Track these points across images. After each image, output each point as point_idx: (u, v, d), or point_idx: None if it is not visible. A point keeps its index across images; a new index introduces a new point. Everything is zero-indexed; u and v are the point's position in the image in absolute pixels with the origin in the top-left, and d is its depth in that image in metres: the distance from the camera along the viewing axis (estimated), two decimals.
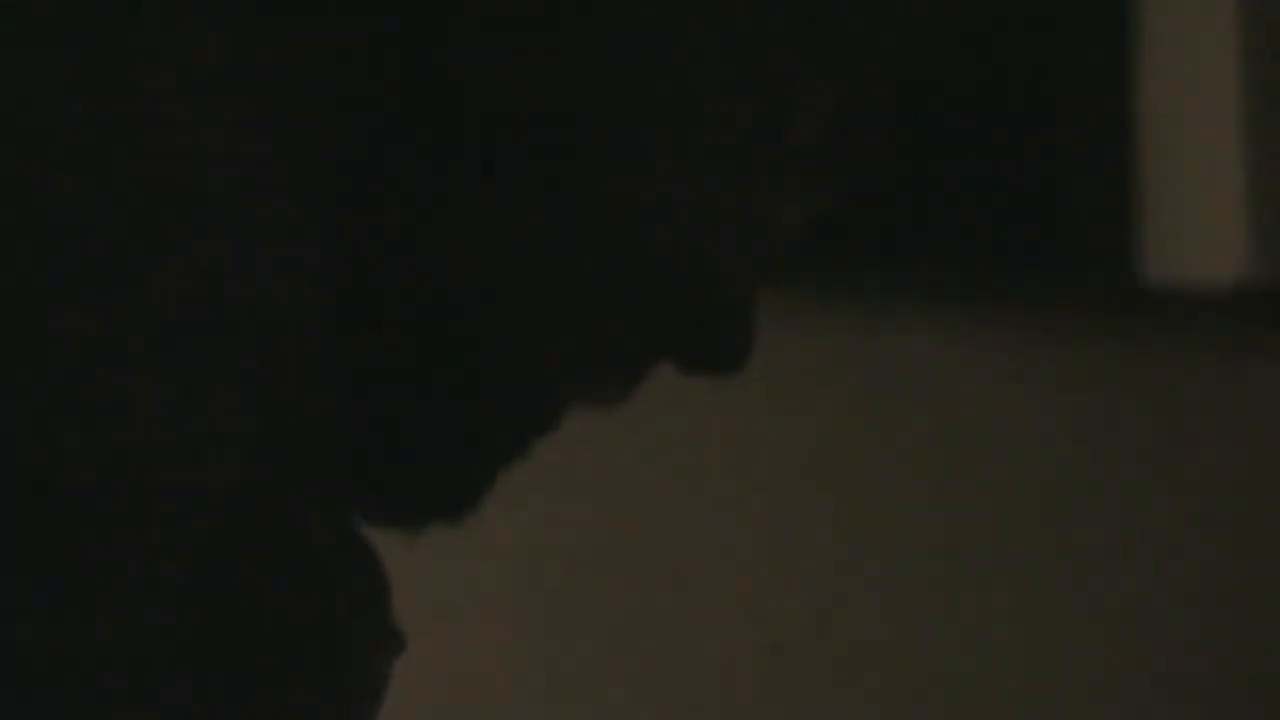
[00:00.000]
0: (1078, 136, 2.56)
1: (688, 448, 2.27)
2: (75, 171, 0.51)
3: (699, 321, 0.66)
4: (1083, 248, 2.53)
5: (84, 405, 0.50)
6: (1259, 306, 2.36)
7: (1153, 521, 2.36)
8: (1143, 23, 2.53)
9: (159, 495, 0.51)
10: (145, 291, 0.51)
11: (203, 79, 0.56)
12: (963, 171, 2.51)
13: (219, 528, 0.53)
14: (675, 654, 2.29)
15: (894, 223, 2.40)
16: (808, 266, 2.17)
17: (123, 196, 0.52)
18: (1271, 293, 2.36)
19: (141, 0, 0.56)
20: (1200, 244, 2.46)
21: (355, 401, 0.62)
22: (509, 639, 2.24)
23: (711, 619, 2.27)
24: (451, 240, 0.61)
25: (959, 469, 2.34)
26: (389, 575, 0.62)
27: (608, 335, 0.65)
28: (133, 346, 0.51)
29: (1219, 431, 2.39)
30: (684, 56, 0.63)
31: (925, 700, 2.33)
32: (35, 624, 0.48)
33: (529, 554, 2.20)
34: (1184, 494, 2.36)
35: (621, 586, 2.27)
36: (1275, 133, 2.42)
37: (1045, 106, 2.57)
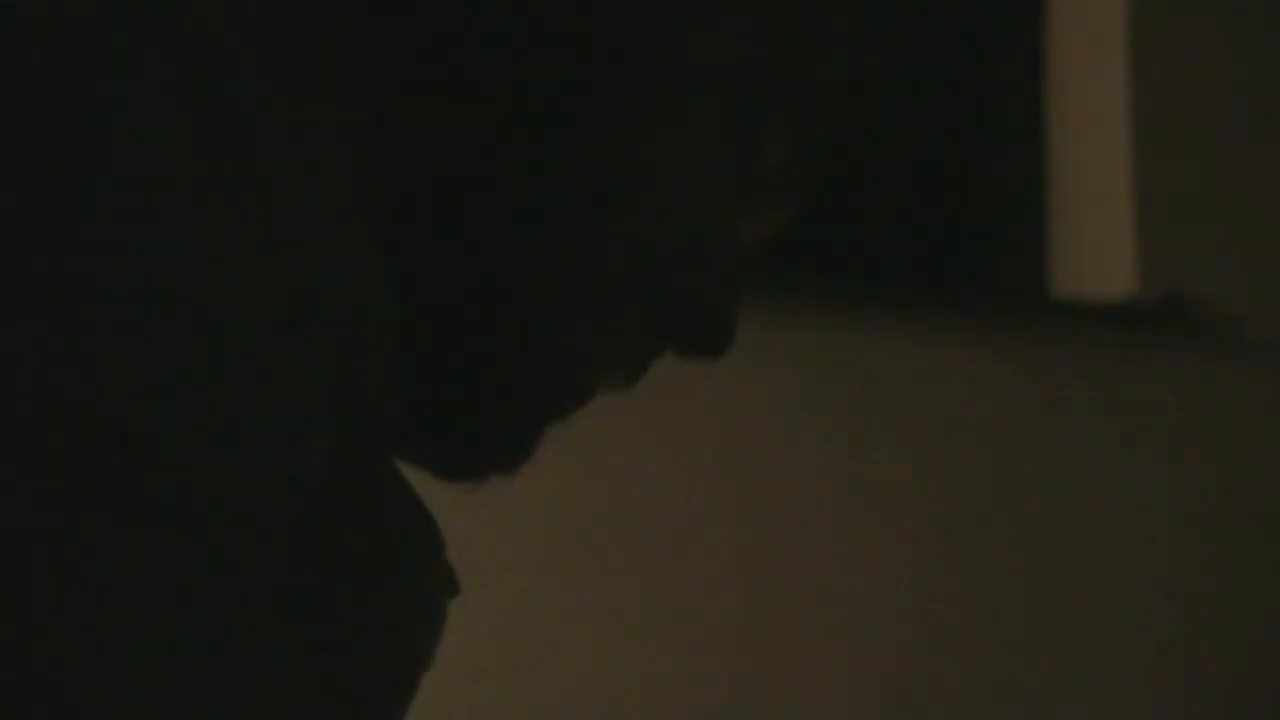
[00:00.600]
0: (1002, 185, 2.73)
1: (687, 433, 2.36)
2: (197, 206, 0.51)
3: (693, 313, 0.68)
4: (1005, 270, 2.71)
5: (207, 381, 0.50)
6: (1144, 318, 2.53)
7: (1051, 489, 2.52)
8: (1051, 97, 2.72)
9: (263, 462, 0.51)
10: (253, 291, 0.51)
11: (301, 117, 0.56)
12: (914, 213, 2.66)
13: (312, 489, 0.53)
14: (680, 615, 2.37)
15: (862, 251, 2.53)
16: (791, 282, 2.30)
17: (238, 226, 0.51)
18: (1154, 307, 2.53)
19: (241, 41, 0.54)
20: (1098, 267, 2.62)
21: (432, 380, 0.65)
22: (539, 602, 2.30)
23: (702, 577, 2.36)
24: (504, 253, 0.64)
25: (901, 441, 2.47)
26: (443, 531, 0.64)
27: (625, 325, 0.67)
28: (249, 336, 0.51)
29: (1110, 418, 2.55)
30: (681, 101, 0.65)
31: (883, 649, 2.43)
32: (156, 572, 0.48)
33: (561, 534, 2.30)
34: (1079, 470, 2.52)
35: (635, 555, 2.35)
36: (1158, 181, 2.58)
37: (977, 164, 2.72)
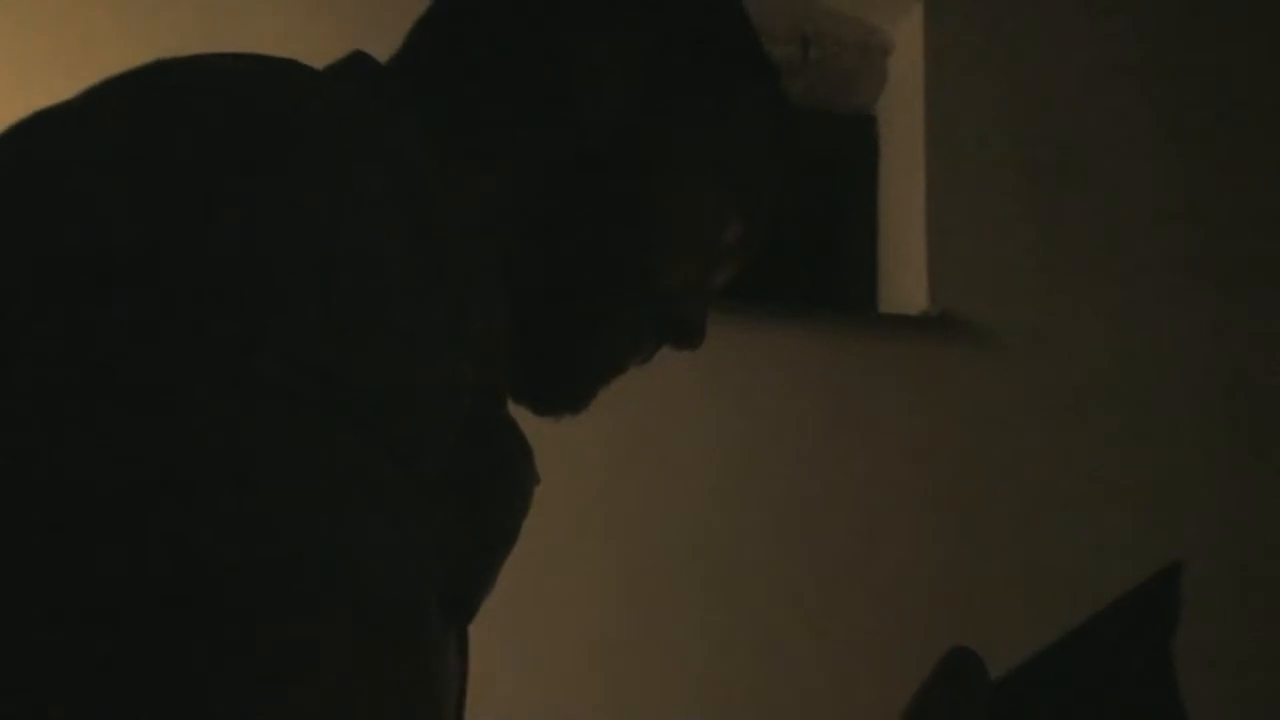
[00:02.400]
0: (847, 239, 3.07)
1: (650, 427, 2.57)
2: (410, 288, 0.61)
3: (681, 325, 0.85)
4: (842, 294, 3.03)
5: (418, 365, 0.60)
6: (932, 327, 2.84)
7: (870, 453, 2.72)
8: (882, 191, 3.05)
9: (436, 409, 0.62)
10: (429, 312, 0.61)
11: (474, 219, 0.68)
12: (785, 256, 2.92)
13: (465, 417, 0.64)
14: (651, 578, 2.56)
15: (758, 285, 2.66)
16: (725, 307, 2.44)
17: (433, 296, 0.62)
18: (937, 319, 2.84)
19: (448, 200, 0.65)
20: (906, 292, 2.93)
21: (533, 358, 0.81)
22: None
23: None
24: (579, 293, 0.79)
25: (769, 426, 2.70)
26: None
27: (643, 330, 0.83)
28: (426, 342, 0.61)
29: (910, 400, 2.78)
30: (677, 221, 0.81)
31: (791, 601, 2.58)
32: (375, 467, 0.59)
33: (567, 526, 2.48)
34: (889, 436, 2.71)
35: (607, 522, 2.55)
36: (944, 237, 2.88)
37: (830, 227, 3.04)
